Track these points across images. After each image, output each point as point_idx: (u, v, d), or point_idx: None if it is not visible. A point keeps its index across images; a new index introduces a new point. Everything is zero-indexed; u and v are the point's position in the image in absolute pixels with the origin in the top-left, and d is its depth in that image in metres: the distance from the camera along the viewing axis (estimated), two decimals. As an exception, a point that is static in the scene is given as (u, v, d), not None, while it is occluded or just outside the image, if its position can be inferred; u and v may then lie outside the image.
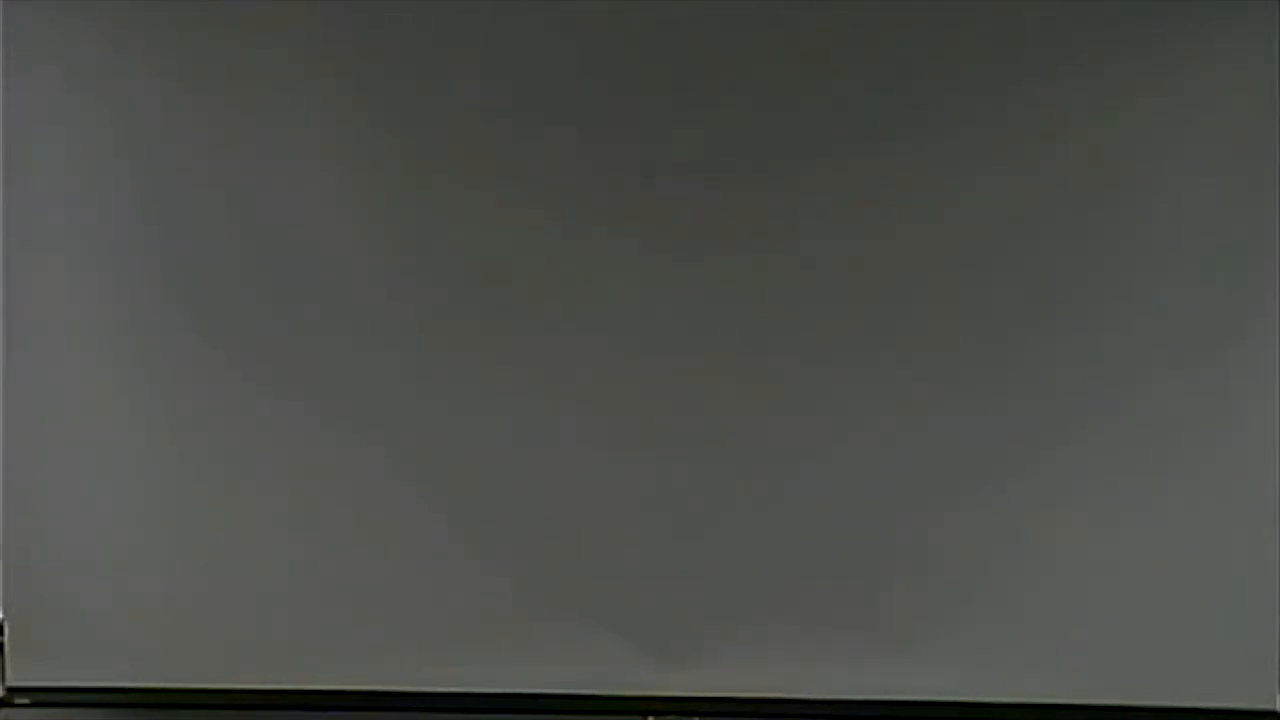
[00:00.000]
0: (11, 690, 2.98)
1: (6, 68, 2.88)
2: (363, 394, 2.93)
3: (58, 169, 2.90)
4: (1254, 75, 2.79)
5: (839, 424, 2.89)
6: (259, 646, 2.96)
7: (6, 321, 2.92)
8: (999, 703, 2.89)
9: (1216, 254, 2.82)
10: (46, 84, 2.88)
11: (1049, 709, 2.89)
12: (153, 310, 2.92)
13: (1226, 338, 2.82)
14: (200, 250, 2.91)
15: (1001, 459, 2.88)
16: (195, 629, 2.95)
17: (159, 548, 2.95)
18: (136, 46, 2.88)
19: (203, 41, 2.87)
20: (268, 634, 2.96)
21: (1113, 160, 2.83)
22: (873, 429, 2.89)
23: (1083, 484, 2.87)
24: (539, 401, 2.92)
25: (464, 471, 2.94)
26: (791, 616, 2.92)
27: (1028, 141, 2.84)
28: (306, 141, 2.88)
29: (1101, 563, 2.87)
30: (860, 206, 2.87)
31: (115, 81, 2.88)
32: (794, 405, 2.90)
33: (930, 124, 2.84)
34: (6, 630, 2.97)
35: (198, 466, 2.95)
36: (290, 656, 2.96)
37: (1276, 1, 2.79)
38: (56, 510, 2.94)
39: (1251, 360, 2.82)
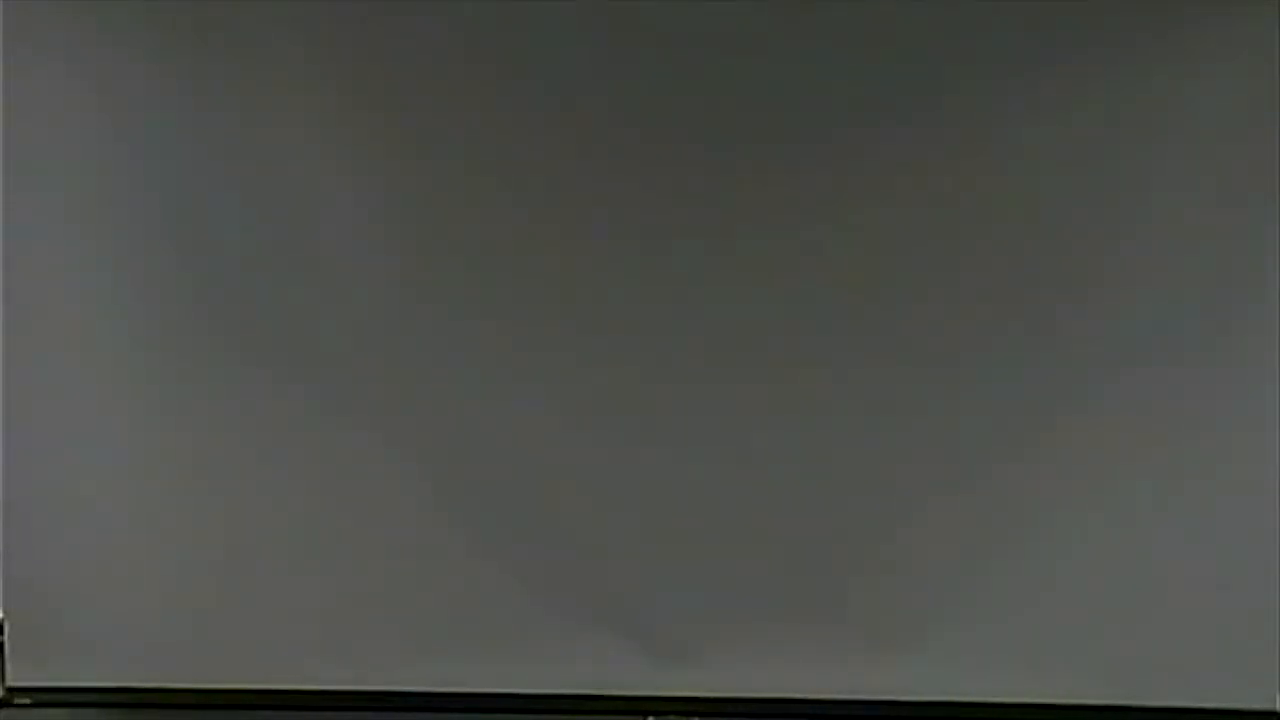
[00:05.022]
0: (11, 690, 2.97)
1: (6, 68, 2.87)
2: (362, 394, 2.93)
3: (58, 169, 2.89)
4: (1254, 75, 2.79)
5: (840, 423, 2.89)
6: (259, 647, 2.96)
7: (6, 321, 2.91)
8: (999, 702, 2.89)
9: (1215, 253, 2.82)
10: (46, 84, 2.88)
11: (1048, 709, 2.89)
12: (154, 310, 2.92)
13: (1226, 336, 2.82)
14: (203, 249, 2.90)
15: (999, 458, 2.88)
16: (195, 629, 2.95)
17: (160, 548, 2.95)
18: (137, 46, 2.87)
19: (204, 40, 2.87)
20: (268, 634, 2.95)
21: (1111, 158, 2.83)
22: (872, 428, 2.89)
23: (1081, 483, 2.87)
24: (540, 402, 2.92)
25: (464, 471, 2.94)
26: (791, 616, 2.91)
27: (1025, 139, 2.84)
28: (309, 139, 2.88)
29: (1100, 562, 2.87)
30: (855, 203, 2.87)
31: (116, 81, 2.87)
32: (794, 405, 2.90)
33: (927, 121, 2.84)
34: (6, 630, 2.97)
35: (198, 466, 2.95)
36: (290, 656, 2.96)
37: (1276, 1, 2.79)
38: (57, 510, 2.94)
39: (1251, 358, 2.82)
